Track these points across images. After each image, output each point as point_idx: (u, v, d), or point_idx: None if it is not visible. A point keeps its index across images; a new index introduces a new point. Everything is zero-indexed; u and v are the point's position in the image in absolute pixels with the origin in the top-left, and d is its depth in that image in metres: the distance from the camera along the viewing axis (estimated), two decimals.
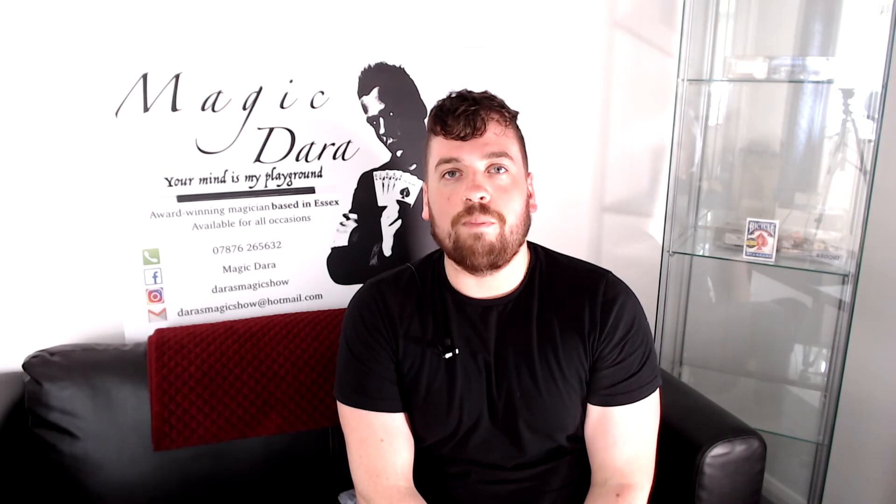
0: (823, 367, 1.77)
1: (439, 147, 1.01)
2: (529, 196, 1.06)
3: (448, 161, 0.99)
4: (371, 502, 1.03)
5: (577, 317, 1.04)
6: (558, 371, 1.03)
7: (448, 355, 1.04)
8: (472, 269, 1.00)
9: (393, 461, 1.04)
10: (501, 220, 0.98)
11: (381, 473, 1.03)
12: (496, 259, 0.99)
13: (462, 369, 1.04)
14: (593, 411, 1.05)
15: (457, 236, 0.98)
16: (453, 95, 1.02)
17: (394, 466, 1.03)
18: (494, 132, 1.00)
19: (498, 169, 0.99)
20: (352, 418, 1.06)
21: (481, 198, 0.97)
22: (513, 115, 1.05)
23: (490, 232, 0.97)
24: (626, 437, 1.03)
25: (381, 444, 1.04)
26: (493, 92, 1.05)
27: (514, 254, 1.02)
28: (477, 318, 1.05)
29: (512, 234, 0.99)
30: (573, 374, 1.04)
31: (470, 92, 1.02)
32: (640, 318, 1.06)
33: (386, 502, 1.01)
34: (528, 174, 1.07)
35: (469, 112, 0.98)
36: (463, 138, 0.98)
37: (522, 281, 1.07)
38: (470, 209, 0.97)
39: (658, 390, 1.06)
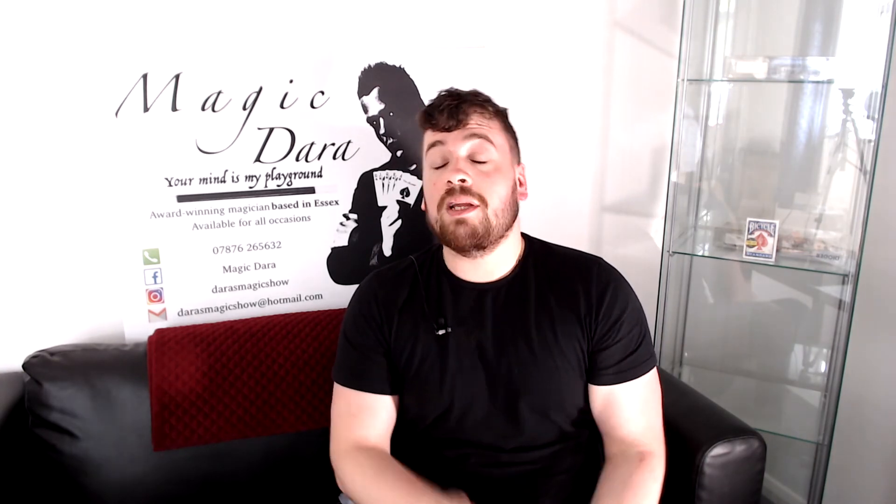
0: (823, 367, 1.77)
1: (428, 138, 1.10)
2: (519, 185, 1.12)
3: (434, 145, 1.08)
4: (335, 466, 1.10)
5: (573, 297, 1.09)
6: (555, 345, 1.07)
7: (440, 332, 1.08)
8: (459, 250, 1.06)
9: (356, 431, 1.09)
10: (483, 202, 1.03)
11: (343, 440, 1.09)
12: (480, 241, 1.04)
13: (455, 347, 1.08)
14: (601, 392, 1.08)
15: (442, 221, 1.05)
16: (442, 93, 1.09)
17: (355, 435, 1.09)
18: (477, 122, 1.07)
19: (482, 159, 1.06)
20: (338, 396, 1.13)
21: (461, 180, 1.03)
22: (497, 110, 1.11)
23: (472, 217, 1.03)
24: (637, 412, 1.08)
25: (350, 419, 1.10)
26: (489, 91, 1.12)
27: (501, 237, 1.07)
28: (473, 301, 1.10)
29: (497, 218, 1.05)
30: (571, 351, 1.07)
31: (457, 90, 1.10)
32: (633, 299, 1.12)
33: (340, 459, 1.08)
34: (518, 164, 1.13)
35: (452, 106, 1.06)
36: (448, 129, 1.06)
37: (517, 265, 1.12)
38: (451, 191, 1.03)
39: (655, 368, 1.12)
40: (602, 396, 1.08)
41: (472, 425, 1.07)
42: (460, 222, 1.03)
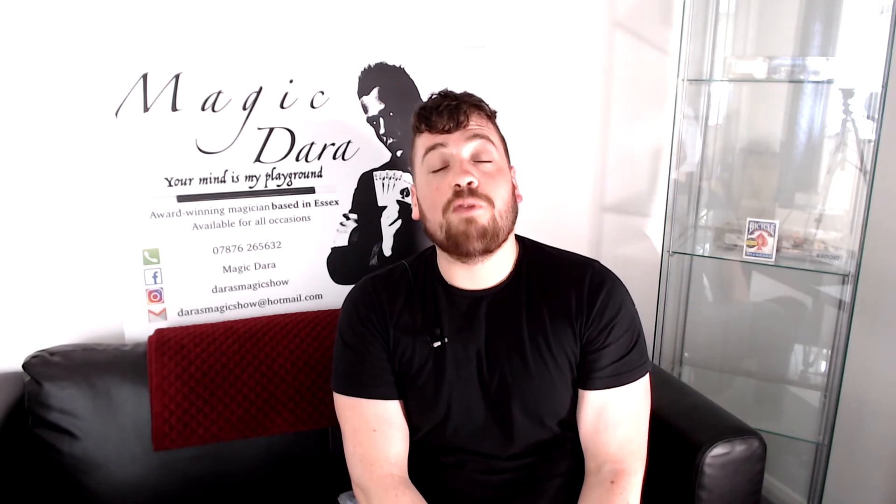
0: (823, 367, 1.77)
1: (424, 141, 1.05)
2: (514, 188, 1.09)
3: (433, 148, 1.03)
4: (366, 490, 1.04)
5: (565, 303, 1.06)
6: (549, 354, 1.05)
7: (437, 344, 1.06)
8: (466, 255, 1.02)
9: (386, 450, 1.05)
10: (490, 203, 1.01)
11: (375, 462, 1.04)
12: (489, 243, 1.01)
13: (451, 358, 1.06)
14: (584, 396, 1.06)
15: (448, 224, 1.01)
16: (434, 96, 1.07)
17: (387, 455, 1.05)
18: (477, 123, 1.05)
19: (484, 160, 1.03)
20: (346, 408, 1.08)
21: (469, 182, 1.00)
22: (491, 112, 1.10)
23: (481, 215, 1.00)
24: (617, 421, 1.04)
25: (374, 434, 1.05)
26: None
27: (505, 240, 1.05)
28: (467, 309, 1.08)
29: (501, 219, 1.02)
30: (563, 358, 1.06)
31: (450, 91, 1.07)
32: (626, 303, 1.08)
33: (380, 490, 1.02)
34: (510, 167, 1.10)
35: (451, 106, 1.03)
36: (448, 131, 1.03)
37: (511, 271, 1.10)
38: (458, 193, 1.00)
39: (648, 375, 1.08)
40: (587, 401, 1.06)
41: (468, 435, 1.06)
42: (470, 221, 0.99)
